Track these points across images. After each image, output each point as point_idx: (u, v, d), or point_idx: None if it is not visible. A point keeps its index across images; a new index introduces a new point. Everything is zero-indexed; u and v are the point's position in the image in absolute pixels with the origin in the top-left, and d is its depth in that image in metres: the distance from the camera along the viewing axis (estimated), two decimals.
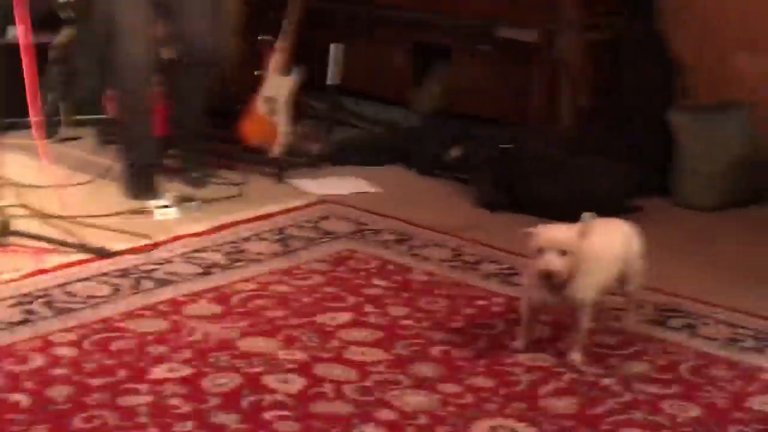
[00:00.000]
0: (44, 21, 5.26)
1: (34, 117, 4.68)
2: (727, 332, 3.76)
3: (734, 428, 3.16)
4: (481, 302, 3.93)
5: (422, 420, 3.10)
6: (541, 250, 3.35)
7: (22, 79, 4.62)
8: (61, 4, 4.81)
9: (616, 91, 5.25)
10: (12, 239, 4.13)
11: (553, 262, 3.34)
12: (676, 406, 3.26)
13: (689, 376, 3.45)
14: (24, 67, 4.61)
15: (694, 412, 3.23)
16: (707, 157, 4.91)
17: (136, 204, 4.64)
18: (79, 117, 5.44)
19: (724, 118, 5.00)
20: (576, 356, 3.48)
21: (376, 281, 4.06)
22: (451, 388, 3.30)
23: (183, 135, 5.01)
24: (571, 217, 4.10)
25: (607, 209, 4.37)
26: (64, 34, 5.32)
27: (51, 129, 5.28)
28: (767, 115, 5.11)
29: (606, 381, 3.39)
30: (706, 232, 4.71)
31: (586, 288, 3.44)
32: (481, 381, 3.35)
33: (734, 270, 4.31)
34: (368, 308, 3.83)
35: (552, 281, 3.37)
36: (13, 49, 4.75)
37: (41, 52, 5.23)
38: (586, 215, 3.44)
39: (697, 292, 4.04)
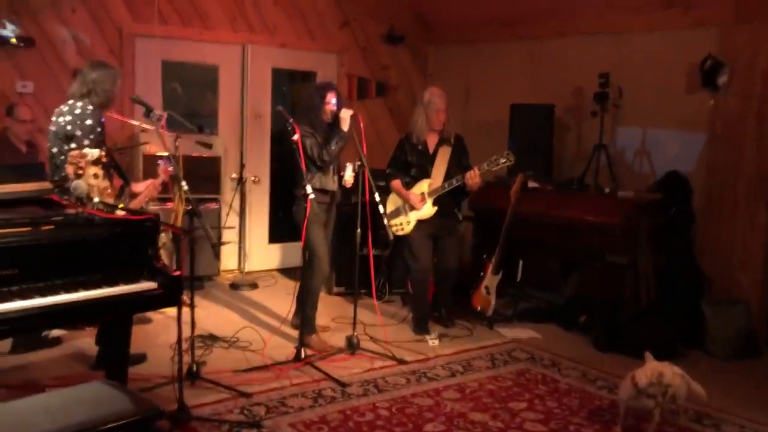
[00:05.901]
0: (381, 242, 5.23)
1: (373, 287, 4.84)
2: None
3: None
4: (597, 402, 3.64)
5: None
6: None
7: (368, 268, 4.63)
8: (390, 241, 4.78)
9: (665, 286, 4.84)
10: (361, 352, 4.11)
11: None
12: None
13: None
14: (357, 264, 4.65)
15: None
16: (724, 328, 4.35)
17: (418, 337, 4.55)
18: (394, 290, 5.46)
19: None
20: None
21: (540, 386, 3.85)
22: None
23: (441, 303, 4.93)
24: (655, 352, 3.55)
25: (664, 350, 3.89)
26: (385, 251, 5.37)
27: (380, 293, 5.32)
28: None
29: None
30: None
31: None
32: None
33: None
34: (536, 401, 3.64)
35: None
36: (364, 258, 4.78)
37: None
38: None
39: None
